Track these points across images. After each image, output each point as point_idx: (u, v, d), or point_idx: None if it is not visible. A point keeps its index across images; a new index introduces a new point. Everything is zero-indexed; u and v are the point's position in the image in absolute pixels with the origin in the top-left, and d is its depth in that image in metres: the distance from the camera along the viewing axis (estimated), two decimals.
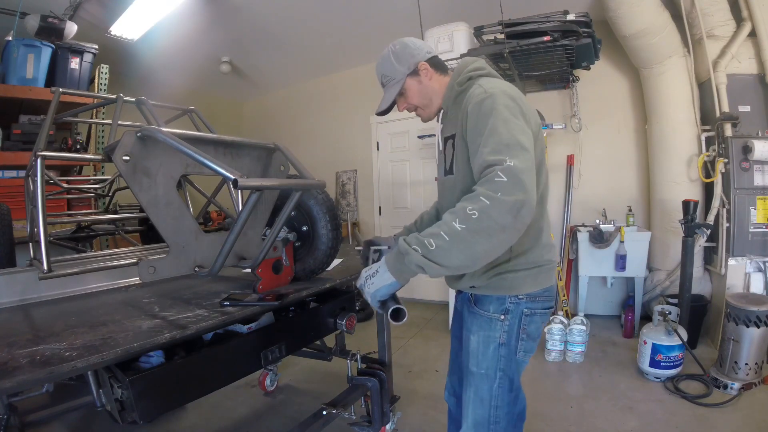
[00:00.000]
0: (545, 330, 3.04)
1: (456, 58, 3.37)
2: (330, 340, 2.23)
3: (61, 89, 2.03)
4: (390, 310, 1.03)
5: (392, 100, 1.29)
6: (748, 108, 3.13)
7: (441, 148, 1.29)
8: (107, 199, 3.16)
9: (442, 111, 1.31)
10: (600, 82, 3.85)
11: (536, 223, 1.16)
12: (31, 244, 1.82)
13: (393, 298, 1.05)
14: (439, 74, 1.28)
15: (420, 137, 4.49)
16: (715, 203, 3.14)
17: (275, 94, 5.94)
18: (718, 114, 3.11)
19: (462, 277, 1.23)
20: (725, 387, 2.42)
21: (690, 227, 2.88)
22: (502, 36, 3.14)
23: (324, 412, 1.68)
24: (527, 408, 1.35)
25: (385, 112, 1.32)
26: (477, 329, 1.23)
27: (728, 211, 3.09)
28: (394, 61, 1.26)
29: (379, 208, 5.15)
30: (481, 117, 1.05)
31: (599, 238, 3.38)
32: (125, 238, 3.04)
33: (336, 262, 1.91)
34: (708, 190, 3.31)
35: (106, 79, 3.61)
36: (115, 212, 3.12)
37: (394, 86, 1.27)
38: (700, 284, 3.30)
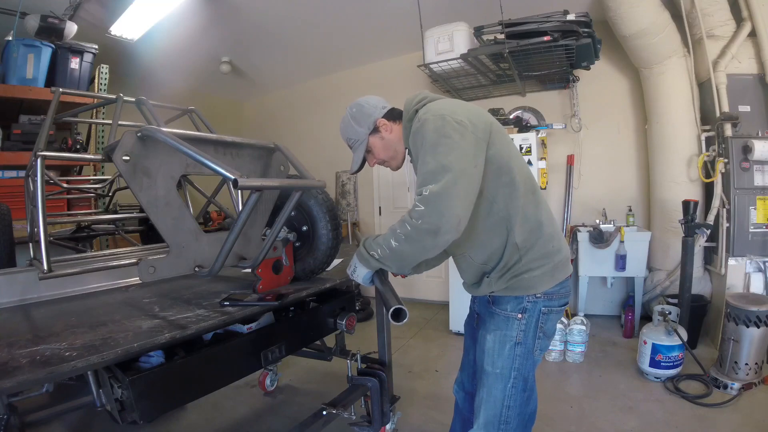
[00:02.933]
0: None
1: (456, 58, 3.38)
2: (330, 340, 2.23)
3: (61, 89, 2.03)
4: (391, 310, 1.10)
5: (361, 159, 1.39)
6: (748, 108, 3.13)
7: None
8: (107, 199, 3.16)
9: (408, 150, 1.37)
10: (600, 82, 3.85)
11: (533, 216, 1.22)
12: (31, 244, 1.82)
13: (380, 278, 1.23)
14: (398, 124, 1.35)
15: None
16: (715, 203, 3.14)
17: (275, 94, 5.93)
18: (718, 114, 3.11)
19: (480, 285, 1.28)
20: (725, 387, 2.42)
21: (690, 227, 2.88)
22: (502, 36, 3.14)
23: (324, 412, 1.68)
24: None
25: (358, 170, 1.44)
26: (494, 328, 1.26)
27: (728, 211, 3.08)
28: (354, 125, 1.35)
29: (379, 208, 5.14)
30: (415, 150, 1.18)
31: (599, 238, 3.38)
32: (125, 238, 3.04)
33: (336, 262, 1.91)
34: (708, 190, 3.30)
35: (106, 79, 3.60)
36: (115, 212, 3.12)
37: (360, 147, 1.37)
38: (700, 284, 3.29)
